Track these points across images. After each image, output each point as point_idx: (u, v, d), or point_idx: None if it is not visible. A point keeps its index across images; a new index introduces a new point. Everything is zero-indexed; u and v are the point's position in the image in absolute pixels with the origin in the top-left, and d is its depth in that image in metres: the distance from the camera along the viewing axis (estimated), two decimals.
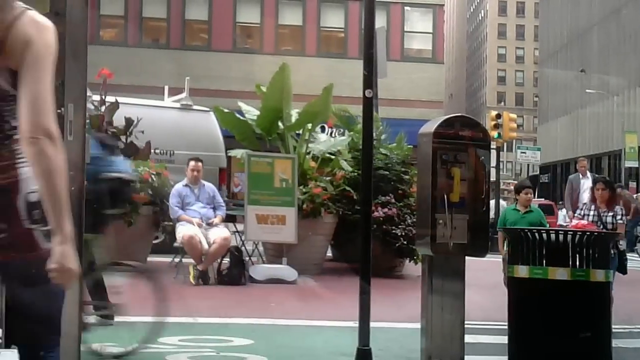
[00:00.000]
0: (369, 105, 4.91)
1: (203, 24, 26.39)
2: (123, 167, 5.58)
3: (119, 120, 9.28)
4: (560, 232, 4.58)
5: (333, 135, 13.13)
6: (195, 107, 12.82)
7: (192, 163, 9.33)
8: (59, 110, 2.79)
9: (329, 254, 11.13)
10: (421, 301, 4.85)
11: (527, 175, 57.53)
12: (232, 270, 8.86)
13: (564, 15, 44.92)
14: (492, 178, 16.48)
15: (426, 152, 4.83)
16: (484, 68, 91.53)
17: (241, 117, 11.43)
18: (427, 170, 4.83)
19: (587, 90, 36.92)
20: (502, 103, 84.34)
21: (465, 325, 4.89)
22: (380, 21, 20.92)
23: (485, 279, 7.29)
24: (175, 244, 9.44)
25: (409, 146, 11.03)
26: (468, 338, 4.99)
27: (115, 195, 5.22)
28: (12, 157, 2.06)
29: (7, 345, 3.66)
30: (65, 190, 2.07)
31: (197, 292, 8.26)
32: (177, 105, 12.94)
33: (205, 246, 8.68)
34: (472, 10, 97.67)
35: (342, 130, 13.19)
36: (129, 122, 9.47)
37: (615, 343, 4.66)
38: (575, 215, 7.33)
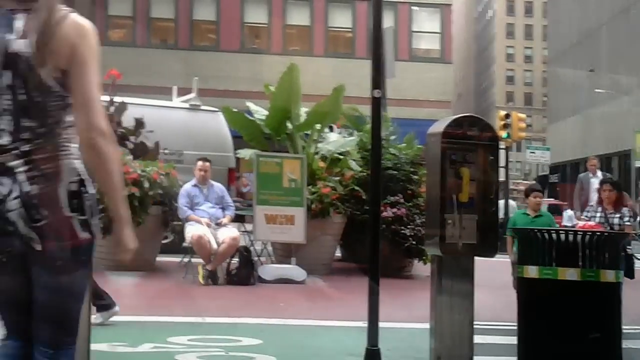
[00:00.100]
0: (377, 105, 4.91)
1: (211, 25, 26.43)
2: None
3: (127, 121, 9.32)
4: (570, 232, 4.56)
5: (342, 134, 13.12)
6: (203, 107, 12.84)
7: (199, 163, 9.35)
8: None
9: (338, 254, 11.13)
10: (430, 301, 4.84)
11: (537, 175, 57.35)
12: (241, 270, 8.87)
13: (573, 14, 44.76)
14: (502, 178, 16.45)
15: (435, 152, 4.83)
16: (492, 68, 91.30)
17: (249, 117, 11.44)
18: (435, 170, 4.82)
19: (597, 90, 36.77)
20: (511, 103, 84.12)
21: (475, 326, 4.88)
22: (388, 21, 20.90)
23: (495, 279, 7.27)
24: (184, 244, 9.46)
25: (418, 146, 11.02)
26: (477, 338, 4.98)
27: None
28: (55, 149, 2.22)
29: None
30: (120, 180, 2.31)
31: (206, 292, 8.27)
32: (186, 105, 12.96)
33: (214, 246, 8.69)
34: (480, 10, 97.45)
35: (350, 130, 13.18)
36: (139, 122, 9.50)
37: (625, 344, 4.64)
38: (582, 216, 7.29)
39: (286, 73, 10.82)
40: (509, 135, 19.20)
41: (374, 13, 4.94)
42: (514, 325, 4.75)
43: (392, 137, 11.14)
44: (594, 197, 10.90)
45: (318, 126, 11.07)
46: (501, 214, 14.07)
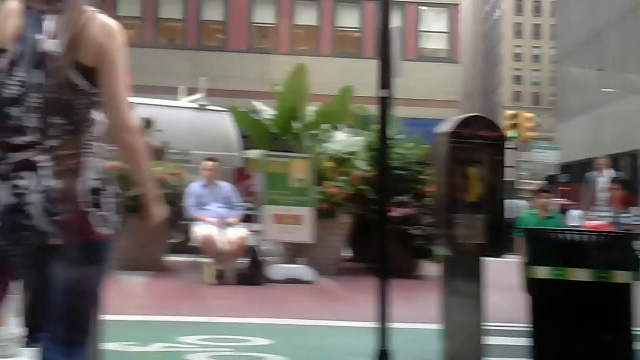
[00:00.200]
0: (384, 105, 4.90)
1: (219, 25, 26.47)
2: None
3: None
4: (580, 232, 4.54)
5: (349, 134, 13.09)
6: (211, 107, 12.86)
7: (206, 163, 9.37)
8: None
9: (347, 254, 11.12)
10: (440, 302, 4.83)
11: (545, 175, 57.13)
12: (250, 270, 8.87)
13: (581, 14, 44.58)
14: (510, 178, 16.40)
15: (443, 152, 4.82)
16: (500, 67, 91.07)
17: (257, 117, 11.44)
18: (443, 170, 4.81)
19: (605, 90, 36.61)
20: (519, 103, 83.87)
21: (485, 327, 4.86)
22: (395, 21, 20.87)
23: (505, 280, 7.25)
24: (192, 244, 9.47)
25: (426, 146, 10.98)
26: (488, 340, 4.97)
27: None
28: (79, 147, 2.29)
29: (29, 346, 3.70)
30: (148, 168, 2.53)
31: (214, 292, 8.28)
32: (194, 105, 12.98)
33: (222, 246, 8.70)
34: (488, 9, 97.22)
35: (357, 130, 13.16)
36: (147, 123, 9.52)
37: (638, 346, 4.61)
38: (591, 216, 7.26)
39: (294, 73, 10.82)
40: (517, 135, 19.15)
41: (382, 13, 4.94)
42: (525, 327, 4.73)
43: (400, 137, 11.11)
44: (601, 196, 10.86)
45: (325, 126, 11.06)
46: (509, 215, 14.00)
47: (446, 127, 4.90)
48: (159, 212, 2.61)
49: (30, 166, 2.24)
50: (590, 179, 12.69)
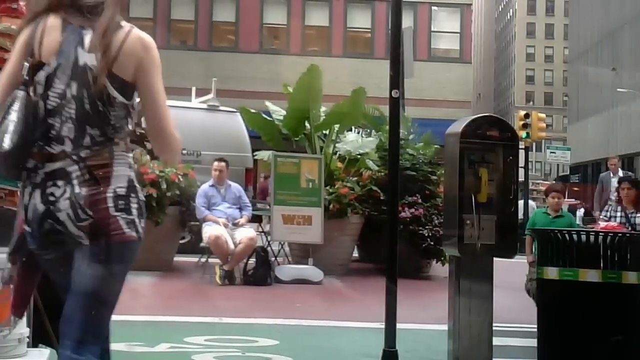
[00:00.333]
0: (395, 105, 4.88)
1: (230, 26, 26.50)
2: None
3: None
4: (591, 233, 4.50)
5: (360, 134, 13.07)
6: (221, 108, 12.86)
7: (215, 163, 9.37)
8: None
9: (355, 254, 11.09)
10: (448, 302, 4.79)
11: (557, 175, 56.89)
12: (258, 271, 8.86)
13: (595, 13, 44.36)
14: (521, 178, 16.30)
15: (453, 152, 4.79)
16: (512, 67, 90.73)
17: (267, 118, 11.43)
18: (454, 170, 4.78)
19: (619, 89, 36.39)
20: (531, 103, 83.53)
21: (493, 328, 4.83)
22: (407, 21, 20.82)
23: (513, 280, 7.20)
24: (202, 244, 9.47)
25: (436, 146, 10.95)
26: (496, 340, 4.93)
27: None
28: (110, 157, 2.38)
29: (35, 345, 3.70)
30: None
31: (222, 292, 8.28)
32: (204, 106, 12.99)
33: (232, 246, 8.70)
34: (500, 9, 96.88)
35: (368, 130, 13.13)
36: None
37: None
38: (601, 217, 7.18)
39: (305, 74, 10.80)
40: (528, 135, 19.03)
41: (394, 13, 4.91)
42: (534, 328, 4.69)
43: (411, 137, 11.08)
44: (613, 197, 10.78)
45: (336, 126, 11.03)
46: (521, 215, 13.94)
47: (457, 127, 4.87)
48: None
49: (63, 175, 2.34)
50: (604, 180, 12.60)
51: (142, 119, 2.53)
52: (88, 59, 2.37)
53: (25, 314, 3.71)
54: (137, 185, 2.45)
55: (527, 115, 19.61)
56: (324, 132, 11.27)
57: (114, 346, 2.52)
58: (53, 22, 2.41)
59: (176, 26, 26.45)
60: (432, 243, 9.60)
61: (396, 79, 4.82)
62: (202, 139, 11.87)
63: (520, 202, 14.33)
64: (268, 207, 10.20)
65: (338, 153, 11.09)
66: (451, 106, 24.54)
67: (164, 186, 8.96)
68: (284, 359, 5.06)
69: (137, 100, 2.49)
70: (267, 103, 12.04)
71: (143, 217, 2.44)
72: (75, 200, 2.31)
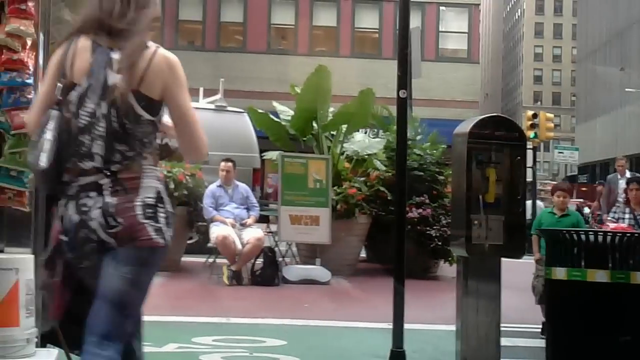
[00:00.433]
0: (403, 105, 4.87)
1: (238, 26, 26.53)
2: None
3: None
4: (599, 233, 4.48)
5: (368, 134, 13.07)
6: (229, 108, 12.88)
7: (223, 164, 9.38)
8: None
9: (363, 254, 11.09)
10: (456, 303, 4.78)
11: (565, 175, 56.70)
12: (266, 271, 8.87)
13: (603, 13, 44.21)
14: (529, 178, 16.25)
15: (461, 153, 4.78)
16: (520, 67, 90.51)
17: (275, 118, 11.44)
18: (462, 170, 4.77)
19: (627, 89, 36.25)
20: (539, 102, 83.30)
21: (501, 328, 4.81)
22: (415, 21, 20.79)
23: (522, 280, 7.18)
24: (209, 244, 9.48)
25: (443, 146, 10.94)
26: (504, 341, 4.92)
27: None
28: (139, 171, 2.52)
29: (43, 345, 3.72)
30: None
31: (230, 292, 8.29)
32: (212, 106, 13.00)
33: (239, 246, 8.70)
34: (508, 9, 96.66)
35: (375, 130, 13.11)
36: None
37: None
38: (609, 218, 7.14)
39: (314, 74, 10.80)
40: (536, 135, 18.98)
41: (401, 13, 4.91)
42: (540, 328, 4.67)
43: (418, 138, 11.07)
44: (621, 197, 10.74)
45: (344, 127, 11.03)
46: (529, 215, 13.89)
47: (465, 127, 4.86)
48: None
49: (95, 187, 2.49)
50: (612, 182, 12.55)
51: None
52: (116, 79, 2.49)
53: (34, 314, 3.74)
54: (166, 197, 2.58)
55: (535, 115, 19.56)
56: (332, 132, 11.27)
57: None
58: (84, 43, 2.55)
59: (184, 26, 26.50)
60: (439, 243, 9.58)
61: (404, 79, 4.81)
62: (209, 139, 11.66)
63: (528, 202, 14.29)
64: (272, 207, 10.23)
65: (345, 153, 11.09)
66: (459, 106, 24.51)
67: (171, 186, 8.98)
68: (292, 359, 5.06)
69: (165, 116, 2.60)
70: (275, 103, 12.05)
71: (170, 226, 2.56)
72: (106, 209, 2.46)
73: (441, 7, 27.00)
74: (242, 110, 12.58)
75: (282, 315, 6.77)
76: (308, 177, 9.52)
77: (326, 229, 9.35)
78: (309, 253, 9.76)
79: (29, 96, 3.69)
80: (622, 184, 11.67)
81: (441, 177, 10.34)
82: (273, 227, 10.25)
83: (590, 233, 4.45)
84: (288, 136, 11.23)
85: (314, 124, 10.92)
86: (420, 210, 9.80)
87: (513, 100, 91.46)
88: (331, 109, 11.12)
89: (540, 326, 6.18)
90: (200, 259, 9.85)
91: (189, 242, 10.18)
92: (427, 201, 9.97)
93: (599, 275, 4.24)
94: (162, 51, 2.58)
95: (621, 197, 10.46)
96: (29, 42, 3.74)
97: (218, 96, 13.23)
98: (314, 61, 11.82)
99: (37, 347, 3.77)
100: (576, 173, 48.41)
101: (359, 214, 9.84)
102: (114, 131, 2.49)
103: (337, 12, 26.61)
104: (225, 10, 26.43)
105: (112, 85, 2.49)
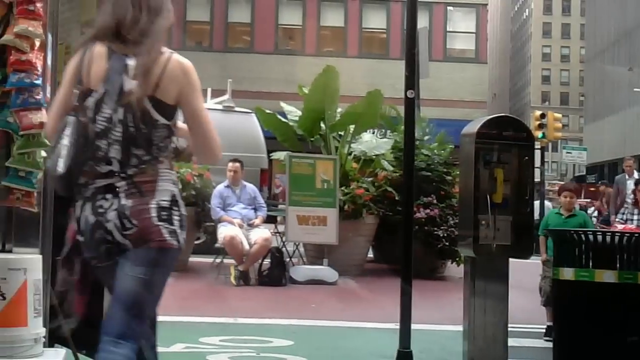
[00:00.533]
0: (410, 105, 4.87)
1: (246, 27, 26.55)
2: None
3: None
4: (607, 233, 4.46)
5: (375, 135, 13.06)
6: (237, 108, 12.89)
7: (230, 164, 9.39)
8: None
9: (370, 255, 11.08)
10: (463, 303, 4.78)
11: (573, 175, 56.52)
12: (273, 271, 8.87)
13: (611, 13, 44.04)
14: (537, 179, 16.21)
15: (469, 153, 4.77)
16: (528, 67, 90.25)
17: (283, 119, 11.45)
18: (469, 170, 4.76)
19: (635, 89, 36.10)
20: (547, 103, 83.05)
21: (509, 328, 4.81)
22: (422, 21, 20.78)
23: (529, 280, 7.16)
24: (217, 245, 9.50)
25: (451, 146, 10.92)
26: (511, 341, 4.91)
27: None
28: (155, 174, 2.58)
29: (51, 345, 3.73)
30: None
31: (237, 292, 8.30)
32: (220, 107, 13.02)
33: (247, 247, 8.72)
34: (516, 9, 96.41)
35: (383, 130, 13.10)
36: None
37: None
38: (617, 219, 7.11)
39: (321, 74, 10.81)
40: (544, 135, 18.93)
41: (409, 13, 4.91)
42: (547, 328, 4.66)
43: (426, 138, 11.05)
44: (629, 198, 10.69)
45: (352, 127, 11.03)
46: (537, 215, 13.86)
47: (473, 127, 4.85)
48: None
49: (111, 189, 2.55)
50: (620, 183, 12.50)
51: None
52: (132, 85, 2.55)
53: (42, 314, 3.75)
54: (180, 200, 2.64)
55: (543, 115, 19.51)
56: (339, 132, 11.26)
57: None
58: (99, 50, 2.60)
59: (192, 27, 26.55)
60: (447, 244, 9.57)
61: (411, 79, 4.81)
62: None
63: (536, 203, 14.25)
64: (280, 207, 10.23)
65: (353, 154, 11.08)
66: (467, 106, 24.46)
67: (179, 186, 8.99)
68: (299, 359, 5.07)
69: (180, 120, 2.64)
70: (282, 104, 12.06)
71: (184, 229, 2.63)
72: (122, 211, 2.52)
73: (449, 7, 26.96)
74: (250, 111, 12.60)
75: (290, 316, 6.78)
76: (316, 177, 9.52)
77: (333, 229, 9.35)
78: (317, 253, 9.76)
79: (38, 97, 3.70)
80: (630, 184, 11.60)
81: (449, 178, 10.33)
82: (280, 228, 10.26)
83: (598, 233, 4.44)
84: (296, 136, 11.23)
85: (322, 125, 10.92)
86: (427, 211, 9.79)
87: (521, 100, 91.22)
88: (339, 109, 11.12)
89: (544, 328, 6.17)
90: (207, 259, 9.87)
91: (196, 242, 10.20)
92: (435, 201, 9.95)
93: (607, 276, 4.23)
94: (177, 57, 2.63)
95: (629, 198, 10.41)
96: (37, 43, 3.75)
97: (226, 97, 13.25)
98: (322, 61, 11.83)
99: (44, 347, 3.78)
100: (584, 173, 48.23)
101: (366, 215, 9.84)
102: (130, 136, 2.54)
103: (344, 13, 26.60)
104: (232, 11, 26.47)
105: (128, 91, 2.54)
